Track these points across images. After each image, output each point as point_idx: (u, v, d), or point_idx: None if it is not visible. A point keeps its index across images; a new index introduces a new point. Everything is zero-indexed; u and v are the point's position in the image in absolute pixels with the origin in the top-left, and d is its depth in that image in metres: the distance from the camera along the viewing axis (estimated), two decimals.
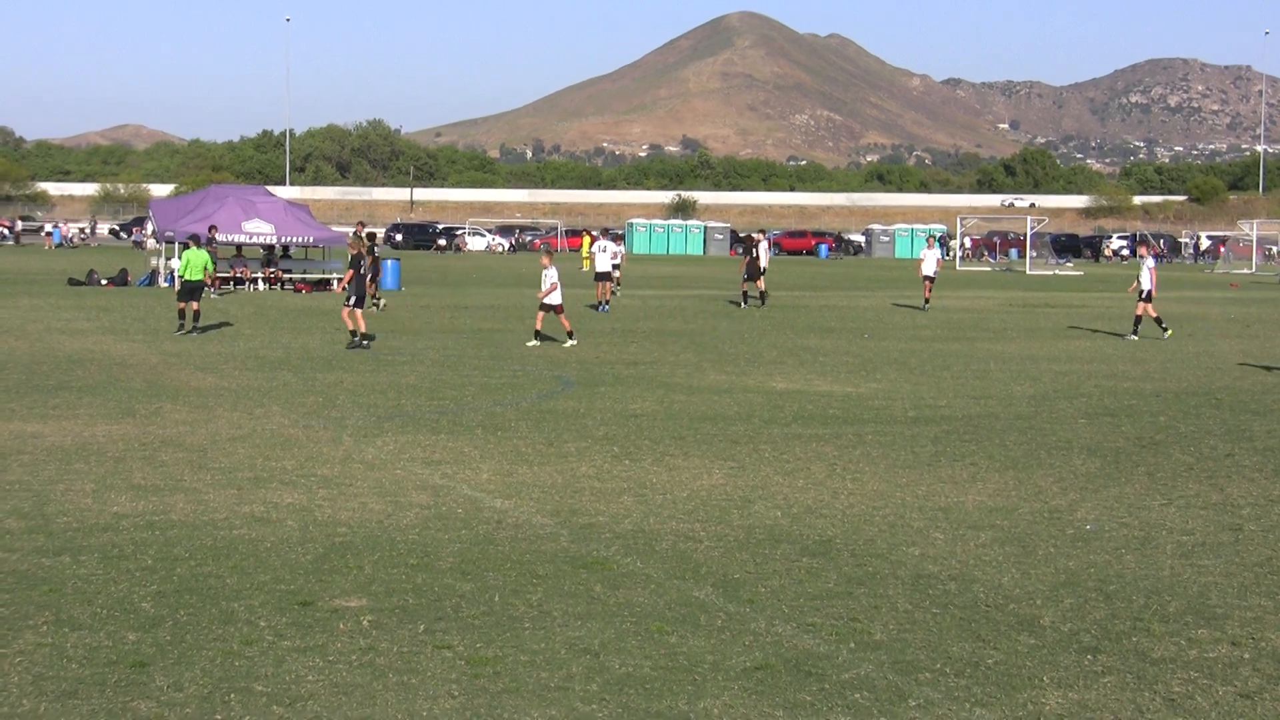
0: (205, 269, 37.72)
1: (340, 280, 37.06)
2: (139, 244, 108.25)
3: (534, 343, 35.56)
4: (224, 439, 20.28)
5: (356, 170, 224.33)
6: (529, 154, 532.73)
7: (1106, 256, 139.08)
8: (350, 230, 53.71)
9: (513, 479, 17.61)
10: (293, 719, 9.18)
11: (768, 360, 32.96)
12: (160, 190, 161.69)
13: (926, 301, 54.30)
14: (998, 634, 11.26)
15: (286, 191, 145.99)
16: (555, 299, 36.06)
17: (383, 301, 48.94)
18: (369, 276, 48.16)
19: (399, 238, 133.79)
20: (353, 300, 34.73)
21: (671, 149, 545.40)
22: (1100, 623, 11.64)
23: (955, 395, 26.65)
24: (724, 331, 41.67)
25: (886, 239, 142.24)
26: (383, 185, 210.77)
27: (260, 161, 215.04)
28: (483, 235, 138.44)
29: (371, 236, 48.35)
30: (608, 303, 50.26)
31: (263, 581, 12.44)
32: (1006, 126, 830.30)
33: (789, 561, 13.56)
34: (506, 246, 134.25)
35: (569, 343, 35.42)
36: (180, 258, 37.70)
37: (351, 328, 34.60)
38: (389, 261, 63.59)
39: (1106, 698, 9.85)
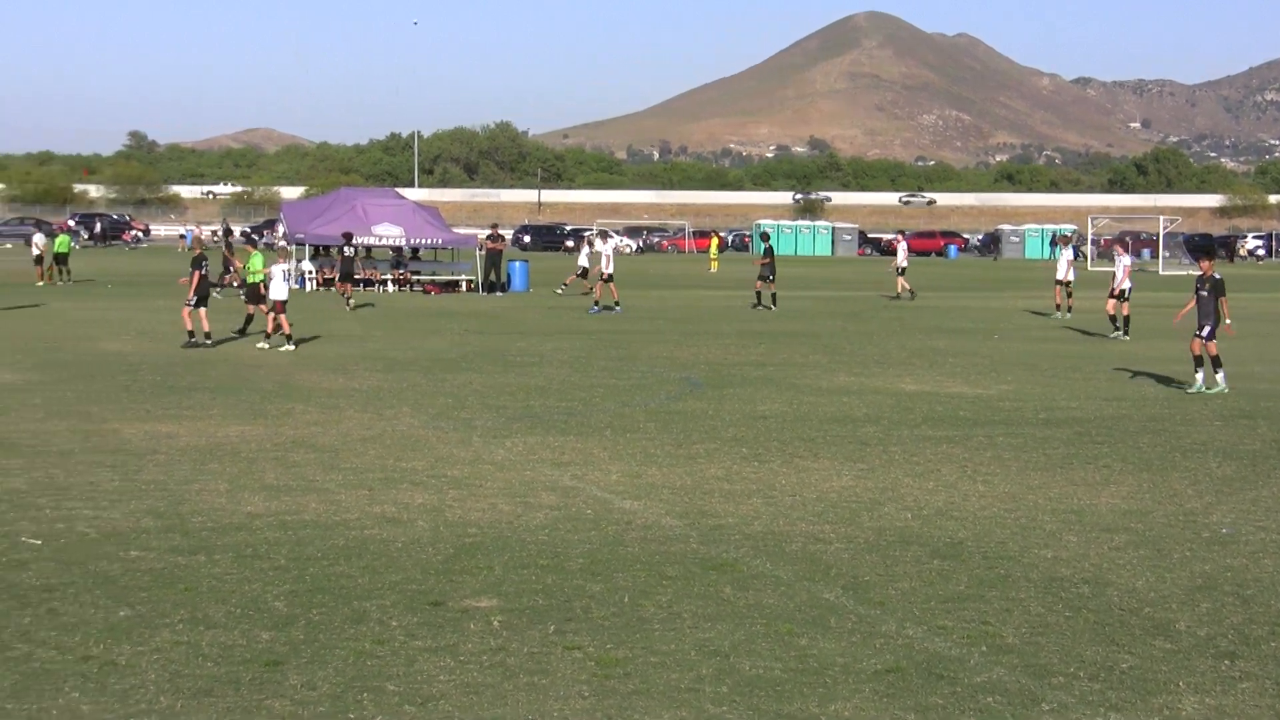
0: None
1: (468, 281, 37.05)
2: (270, 246, 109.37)
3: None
4: (355, 440, 20.42)
5: (484, 172, 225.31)
6: (655, 155, 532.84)
7: (1241, 256, 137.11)
8: (484, 232, 53.93)
9: (641, 480, 17.61)
10: (424, 718, 9.22)
11: (897, 361, 32.79)
12: (290, 193, 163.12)
13: (1058, 308, 48.70)
14: (1132, 638, 11.13)
15: (415, 194, 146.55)
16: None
17: (352, 301, 49.12)
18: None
19: (527, 239, 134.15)
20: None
21: (798, 149, 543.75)
22: (1237, 627, 11.48)
23: (1086, 397, 26.39)
24: (853, 332, 41.50)
25: (1016, 239, 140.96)
26: (510, 187, 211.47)
27: (389, 164, 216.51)
28: (610, 236, 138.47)
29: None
30: (618, 304, 49.92)
31: (394, 581, 12.52)
32: (1138, 125, 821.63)
33: (919, 564, 13.48)
34: (634, 247, 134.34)
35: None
36: (251, 262, 37.68)
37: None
38: (516, 263, 63.83)
39: (1244, 704, 9.71)
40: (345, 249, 51.81)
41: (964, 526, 15.18)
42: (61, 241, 64.64)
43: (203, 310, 34.41)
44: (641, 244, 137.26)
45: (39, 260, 62.97)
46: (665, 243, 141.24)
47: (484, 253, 61.71)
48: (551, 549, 13.87)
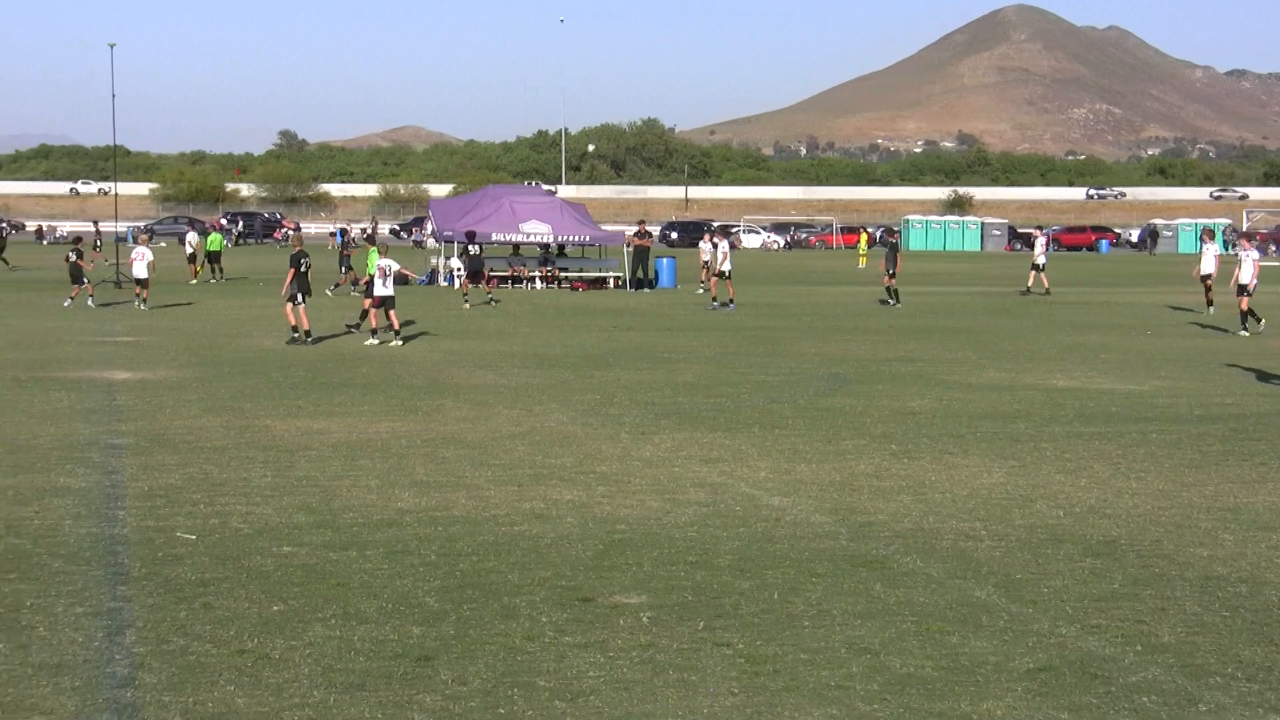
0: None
1: (616, 278, 37.05)
2: (419, 243, 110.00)
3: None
4: (504, 436, 20.51)
5: (631, 169, 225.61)
6: (802, 151, 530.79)
7: None
8: (631, 229, 54.00)
9: (790, 476, 17.56)
10: (574, 714, 9.23)
11: (1047, 357, 32.48)
12: (439, 190, 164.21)
13: (1209, 304, 46.98)
14: None
15: (562, 190, 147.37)
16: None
17: (469, 302, 49.16)
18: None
19: (674, 235, 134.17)
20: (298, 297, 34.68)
21: (947, 144, 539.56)
22: None
23: (1243, 393, 26.00)
24: (1003, 328, 41.17)
25: (1169, 234, 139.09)
26: (657, 183, 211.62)
27: (536, 161, 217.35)
28: (757, 233, 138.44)
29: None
30: (731, 301, 49.53)
31: (543, 577, 12.55)
32: None
33: (1072, 562, 13.32)
34: (782, 244, 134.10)
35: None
36: (370, 259, 37.86)
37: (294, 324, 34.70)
38: (664, 259, 63.92)
39: None
40: (470, 247, 51.96)
41: (1117, 524, 15.00)
42: (214, 240, 65.48)
43: (301, 307, 34.70)
44: (789, 240, 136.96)
45: (192, 258, 63.82)
46: (813, 239, 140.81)
47: (631, 249, 61.84)
48: (700, 545, 13.86)
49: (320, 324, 37.64)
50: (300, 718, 9.11)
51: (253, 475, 17.19)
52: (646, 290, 59.44)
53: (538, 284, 61.09)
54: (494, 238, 60.04)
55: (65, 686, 9.57)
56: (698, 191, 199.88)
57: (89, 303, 45.94)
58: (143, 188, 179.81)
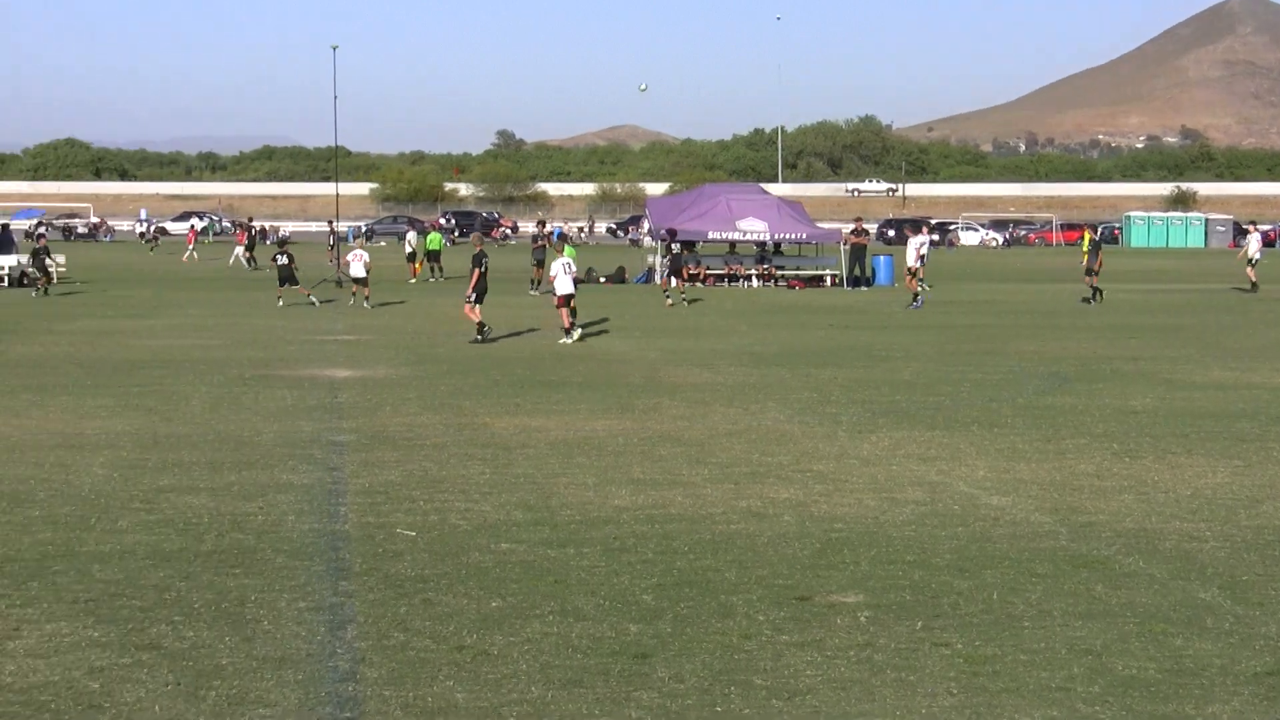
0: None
1: (833, 276, 36.87)
2: (635, 242, 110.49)
3: None
4: (720, 434, 20.51)
5: (848, 166, 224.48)
6: (1021, 147, 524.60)
7: None
8: (848, 226, 53.67)
9: (1009, 476, 17.36)
10: (792, 713, 9.20)
11: (1274, 355, 31.80)
12: (655, 189, 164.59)
13: None
14: None
15: (778, 189, 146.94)
16: None
17: (670, 299, 48.72)
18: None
19: (891, 233, 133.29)
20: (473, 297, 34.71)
21: (1169, 140, 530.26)
22: None
23: None
24: (1226, 325, 40.42)
25: None
26: (874, 181, 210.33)
27: (752, 159, 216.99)
28: (975, 230, 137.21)
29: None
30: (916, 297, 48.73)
31: (760, 576, 12.52)
32: None
33: None
34: (1000, 241, 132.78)
35: None
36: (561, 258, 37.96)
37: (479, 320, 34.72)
38: (881, 257, 63.57)
39: None
40: (672, 245, 51.88)
41: None
42: (433, 239, 66.19)
43: (468, 305, 34.87)
44: (1007, 237, 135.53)
45: (411, 257, 64.62)
46: (1032, 236, 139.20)
47: (848, 247, 61.57)
48: (918, 544, 13.75)
49: (516, 323, 37.96)
50: (518, 713, 9.17)
51: (471, 472, 17.35)
52: (863, 288, 59.13)
53: (754, 282, 61.01)
54: (710, 235, 60.11)
55: (288, 680, 9.72)
56: (915, 189, 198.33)
57: (312, 300, 46.62)
58: (363, 188, 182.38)
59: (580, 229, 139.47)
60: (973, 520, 14.86)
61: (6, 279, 57.58)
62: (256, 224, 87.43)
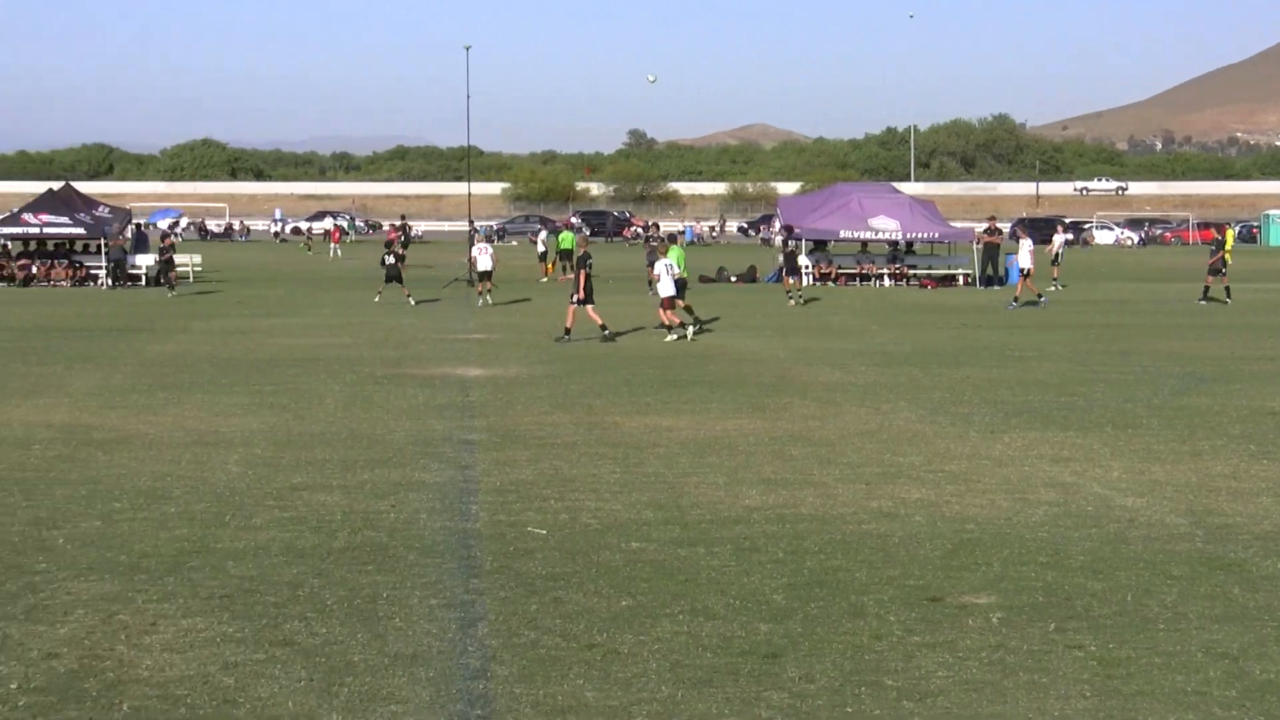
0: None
1: (965, 275, 36.65)
2: (766, 241, 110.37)
3: None
4: (851, 434, 20.42)
5: (981, 165, 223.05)
6: (1158, 145, 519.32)
7: None
8: (980, 226, 53.18)
9: (1144, 477, 17.17)
10: (923, 714, 9.14)
11: None
12: (786, 188, 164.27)
13: None
14: None
15: (910, 188, 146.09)
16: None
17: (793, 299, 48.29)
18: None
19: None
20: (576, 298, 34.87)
21: None
22: None
23: None
24: None
25: None
26: (1007, 180, 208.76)
27: (885, 158, 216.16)
28: (1110, 229, 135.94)
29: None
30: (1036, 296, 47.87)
31: (891, 576, 12.46)
32: None
33: None
34: (1136, 240, 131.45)
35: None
36: (671, 255, 37.95)
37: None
38: (1014, 256, 63.09)
39: None
40: (788, 243, 51.65)
41: None
42: (566, 238, 66.37)
43: (589, 307, 34.97)
44: (1143, 236, 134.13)
45: (543, 256, 64.90)
46: (1168, 235, 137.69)
47: (980, 246, 61.21)
48: (1051, 545, 13.63)
49: (644, 322, 38.02)
50: (648, 712, 9.17)
51: (602, 471, 17.38)
52: (996, 287, 58.72)
53: (886, 281, 60.79)
54: (841, 235, 60.01)
55: (420, 677, 9.77)
56: (1049, 188, 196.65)
57: (410, 301, 46.88)
58: (495, 187, 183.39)
59: (711, 229, 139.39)
60: (1107, 521, 14.71)
61: (144, 278, 58.41)
62: (411, 224, 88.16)
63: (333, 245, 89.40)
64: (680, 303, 36.81)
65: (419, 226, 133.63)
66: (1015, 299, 48.34)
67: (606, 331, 34.44)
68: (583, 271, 35.09)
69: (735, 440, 19.78)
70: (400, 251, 48.62)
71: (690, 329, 34.93)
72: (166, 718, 9.04)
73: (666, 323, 34.98)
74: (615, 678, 9.78)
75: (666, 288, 35.10)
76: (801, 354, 31.56)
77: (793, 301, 47.95)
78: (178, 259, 55.92)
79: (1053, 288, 56.63)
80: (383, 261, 48.76)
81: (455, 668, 9.97)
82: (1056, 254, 61.28)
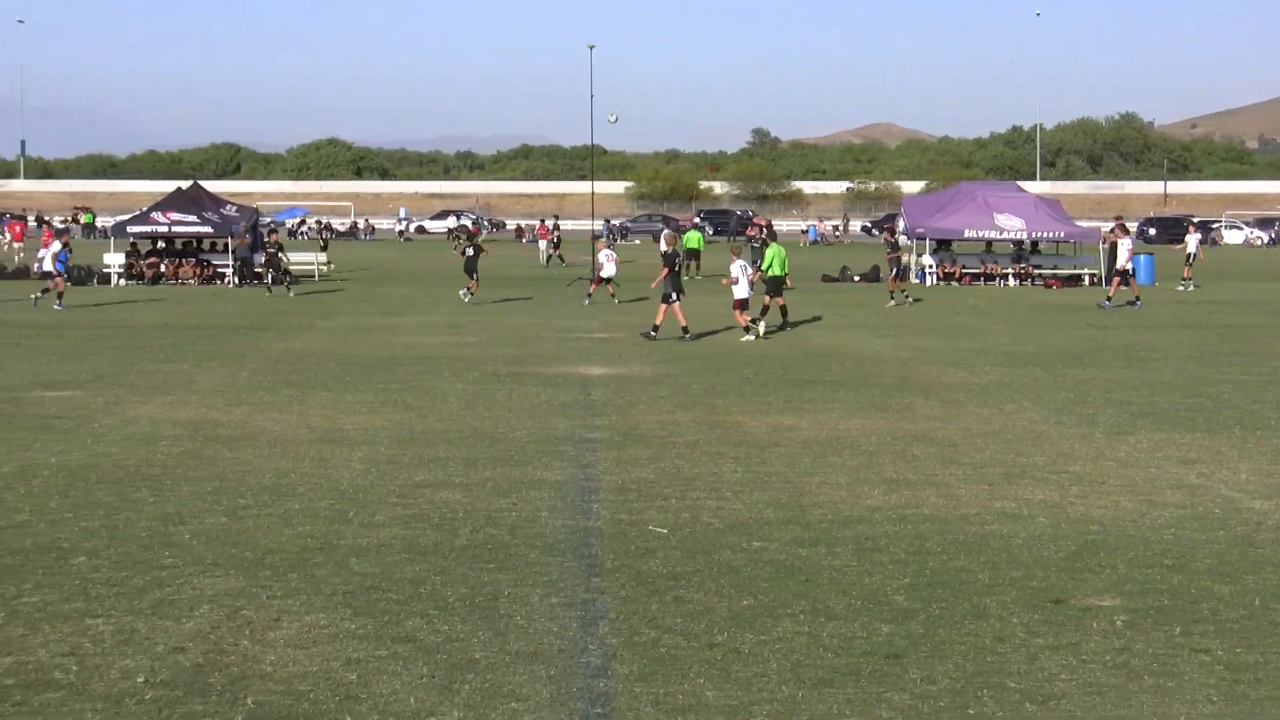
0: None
1: (1091, 275, 36.23)
2: (895, 246, 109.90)
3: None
4: (974, 434, 20.29)
5: (1107, 164, 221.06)
6: None
7: None
8: (1107, 225, 52.67)
9: (1273, 480, 16.95)
10: (1045, 718, 9.06)
11: None
12: (910, 187, 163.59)
13: None
14: None
15: (1036, 187, 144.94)
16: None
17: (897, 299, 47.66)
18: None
19: (1152, 231, 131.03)
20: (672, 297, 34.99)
21: None
22: None
23: None
24: None
25: None
26: (1134, 179, 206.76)
27: (1010, 157, 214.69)
28: (1239, 228, 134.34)
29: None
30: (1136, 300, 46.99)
31: (1014, 577, 12.37)
32: None
33: None
34: (1266, 240, 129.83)
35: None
36: (770, 254, 37.94)
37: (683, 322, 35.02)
38: (1141, 256, 62.50)
39: None
40: (894, 244, 51.20)
41: None
42: (691, 237, 66.22)
43: (675, 305, 34.98)
44: (1273, 236, 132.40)
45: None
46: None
47: (1107, 246, 60.64)
48: (1177, 548, 13.48)
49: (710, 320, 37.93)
50: (768, 712, 9.16)
51: (723, 471, 17.36)
52: (1123, 287, 58.12)
53: (1010, 281, 60.38)
54: (966, 234, 59.71)
55: (540, 675, 9.80)
56: (1177, 187, 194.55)
57: (463, 295, 47.02)
58: (618, 186, 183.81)
59: (835, 228, 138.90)
60: (1234, 524, 14.53)
61: (271, 276, 58.98)
62: (503, 222, 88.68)
63: (542, 243, 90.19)
64: (776, 300, 37.01)
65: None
66: (1109, 299, 47.56)
67: (653, 332, 34.80)
68: (666, 269, 35.25)
69: (857, 440, 19.71)
70: (481, 245, 48.67)
71: (761, 326, 34.96)
72: (289, 713, 9.12)
73: (742, 324, 35.05)
74: (736, 677, 9.77)
75: (741, 290, 35.13)
76: (924, 354, 31.40)
77: (893, 302, 47.54)
78: (296, 256, 56.17)
79: (1180, 287, 56.01)
80: (464, 252, 48.86)
81: (576, 666, 9.99)
82: (1191, 254, 60.52)
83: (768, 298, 37.54)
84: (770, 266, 37.86)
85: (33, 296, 45.33)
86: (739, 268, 35.43)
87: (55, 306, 43.78)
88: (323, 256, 67.65)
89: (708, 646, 10.43)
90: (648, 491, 16.08)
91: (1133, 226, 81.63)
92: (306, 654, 10.23)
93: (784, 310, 38.07)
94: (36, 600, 11.58)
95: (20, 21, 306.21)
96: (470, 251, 47.53)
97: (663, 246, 36.71)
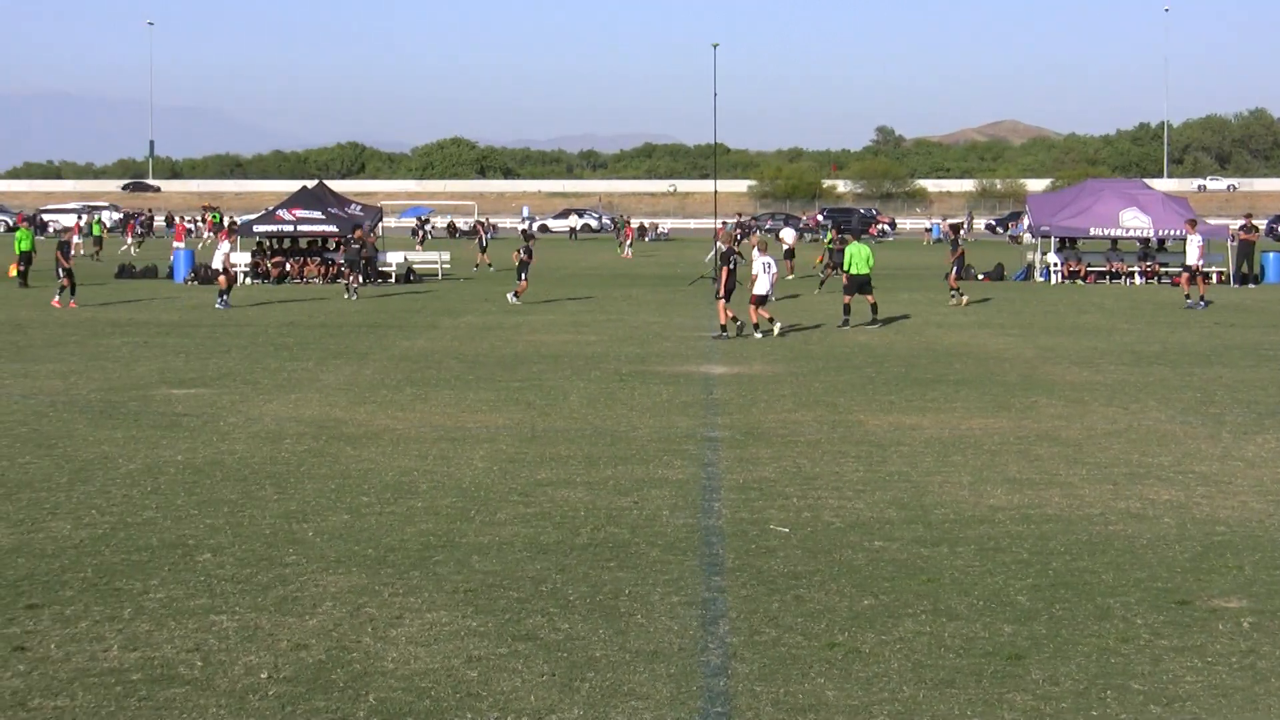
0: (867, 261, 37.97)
1: (1219, 273, 35.76)
2: (1014, 239, 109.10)
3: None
4: (1099, 434, 20.12)
5: (1236, 161, 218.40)
6: None
7: None
8: (1236, 222, 51.93)
9: None
10: (1171, 719, 8.99)
11: None
12: (1035, 185, 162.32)
13: None
14: None
15: (1163, 184, 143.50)
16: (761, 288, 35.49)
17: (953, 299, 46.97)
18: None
19: None
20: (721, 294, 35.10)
21: None
22: None
23: None
24: None
25: None
26: (1264, 176, 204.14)
27: (1136, 154, 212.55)
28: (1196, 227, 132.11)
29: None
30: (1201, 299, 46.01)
31: (1138, 578, 12.26)
32: None
33: None
34: None
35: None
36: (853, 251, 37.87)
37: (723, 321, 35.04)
38: (1271, 254, 61.71)
39: None
40: (957, 241, 50.42)
41: None
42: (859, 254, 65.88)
43: (721, 303, 35.12)
44: None
45: (789, 254, 64.71)
46: None
47: (1235, 244, 59.93)
48: None
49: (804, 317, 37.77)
50: (890, 712, 9.13)
51: (845, 470, 17.32)
52: (1251, 286, 57.44)
53: (1136, 279, 59.79)
54: (1091, 232, 59.21)
55: (661, 673, 9.81)
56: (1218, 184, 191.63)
57: (511, 298, 46.80)
58: (741, 185, 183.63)
59: (953, 227, 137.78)
60: None
61: (393, 275, 59.37)
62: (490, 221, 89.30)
63: (626, 241, 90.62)
64: (866, 298, 36.92)
65: (666, 224, 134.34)
66: (1188, 296, 46.68)
67: (724, 332, 34.95)
68: (725, 269, 35.28)
69: (980, 439, 19.60)
70: (529, 247, 48.48)
71: (776, 326, 34.88)
72: (411, 710, 9.19)
73: (754, 320, 35.04)
74: (856, 677, 9.75)
75: (760, 286, 35.13)
76: (1048, 352, 31.16)
77: (954, 301, 46.87)
78: (419, 256, 55.65)
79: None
80: (517, 251, 48.68)
81: (696, 665, 10.00)
82: None
83: (847, 296, 37.59)
84: (851, 264, 37.79)
85: (218, 305, 44.98)
86: (762, 265, 35.43)
87: (217, 305, 44.11)
88: (446, 255, 67.96)
89: (828, 646, 10.41)
90: (769, 490, 16.07)
91: (1261, 224, 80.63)
92: (428, 651, 10.30)
93: (874, 307, 37.85)
94: (162, 596, 11.73)
95: (150, 24, 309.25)
96: (524, 255, 47.44)
97: (720, 246, 36.71)
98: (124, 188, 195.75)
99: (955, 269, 47.90)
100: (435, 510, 15.03)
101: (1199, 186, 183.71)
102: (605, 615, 11.17)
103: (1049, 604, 11.47)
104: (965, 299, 46.60)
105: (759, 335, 34.56)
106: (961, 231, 53.25)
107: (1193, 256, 47.28)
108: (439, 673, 9.86)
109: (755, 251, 36.52)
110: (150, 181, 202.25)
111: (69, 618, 11.14)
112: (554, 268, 71.25)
